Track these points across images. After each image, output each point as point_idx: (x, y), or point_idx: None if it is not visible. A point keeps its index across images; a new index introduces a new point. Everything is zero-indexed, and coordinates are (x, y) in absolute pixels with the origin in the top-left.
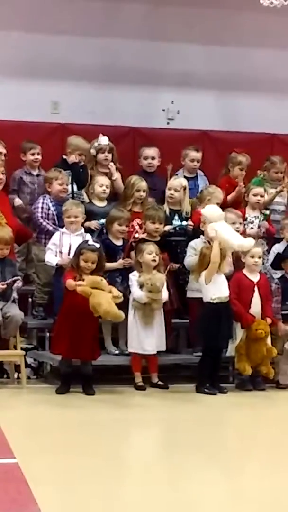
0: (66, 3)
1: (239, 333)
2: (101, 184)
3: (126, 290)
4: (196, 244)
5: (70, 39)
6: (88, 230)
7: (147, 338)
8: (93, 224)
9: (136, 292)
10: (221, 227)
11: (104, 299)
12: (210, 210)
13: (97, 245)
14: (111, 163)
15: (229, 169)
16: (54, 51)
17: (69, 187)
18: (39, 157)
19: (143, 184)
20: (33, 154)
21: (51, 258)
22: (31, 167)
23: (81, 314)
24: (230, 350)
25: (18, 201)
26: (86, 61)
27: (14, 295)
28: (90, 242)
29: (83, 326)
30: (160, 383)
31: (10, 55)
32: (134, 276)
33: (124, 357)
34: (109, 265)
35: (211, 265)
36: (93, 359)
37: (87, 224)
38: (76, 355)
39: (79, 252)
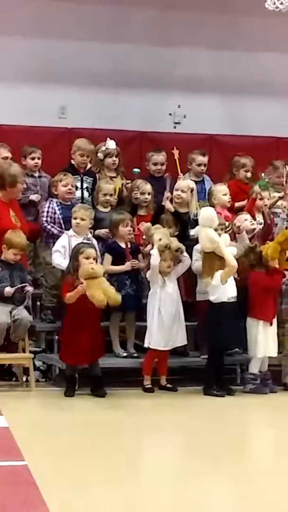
0: (75, 9)
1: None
2: (104, 193)
3: (135, 292)
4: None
5: (77, 44)
6: (97, 238)
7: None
8: (102, 231)
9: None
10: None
11: (97, 289)
12: (205, 213)
13: (92, 243)
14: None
15: (234, 174)
16: (62, 56)
17: (79, 192)
18: (39, 161)
19: (148, 187)
20: (33, 159)
21: (61, 260)
22: (32, 171)
23: (86, 317)
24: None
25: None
26: (93, 66)
27: (27, 300)
28: (84, 241)
29: (88, 328)
30: (169, 385)
31: (18, 60)
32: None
33: (132, 359)
34: (117, 268)
35: (230, 268)
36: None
37: (97, 232)
38: (86, 360)
39: (77, 252)
